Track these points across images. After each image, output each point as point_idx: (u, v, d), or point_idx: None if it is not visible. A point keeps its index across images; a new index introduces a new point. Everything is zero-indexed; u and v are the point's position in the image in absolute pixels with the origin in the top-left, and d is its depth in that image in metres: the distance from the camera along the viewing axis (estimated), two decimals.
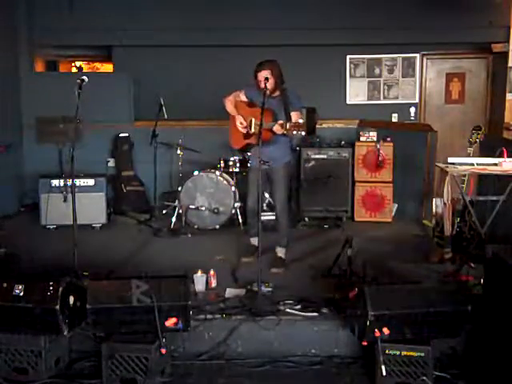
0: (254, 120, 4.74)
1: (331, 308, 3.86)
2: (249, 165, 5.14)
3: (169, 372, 3.51)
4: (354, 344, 3.63)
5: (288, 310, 3.86)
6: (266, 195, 6.24)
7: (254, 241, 4.97)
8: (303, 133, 4.31)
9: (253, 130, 4.75)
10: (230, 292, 4.23)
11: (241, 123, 4.81)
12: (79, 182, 6.10)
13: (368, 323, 3.28)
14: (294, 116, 4.59)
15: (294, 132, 4.32)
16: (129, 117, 7.44)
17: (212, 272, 4.36)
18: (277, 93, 4.68)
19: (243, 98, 4.88)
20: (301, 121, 4.42)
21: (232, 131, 4.98)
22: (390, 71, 7.89)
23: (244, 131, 4.83)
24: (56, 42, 7.72)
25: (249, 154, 5.09)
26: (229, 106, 4.92)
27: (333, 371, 3.56)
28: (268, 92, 4.46)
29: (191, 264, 4.54)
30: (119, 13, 7.44)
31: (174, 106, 6.79)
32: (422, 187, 6.53)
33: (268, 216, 6.02)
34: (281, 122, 4.51)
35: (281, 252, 4.96)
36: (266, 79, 4.47)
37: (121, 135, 7.30)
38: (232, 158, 6.31)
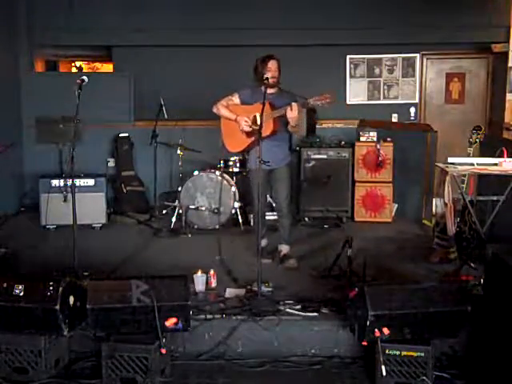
0: (258, 115, 4.54)
1: (331, 308, 3.86)
2: (249, 166, 5.10)
3: (169, 372, 3.50)
4: (353, 344, 3.62)
5: (288, 310, 3.85)
6: (268, 198, 5.97)
7: (265, 242, 5.10)
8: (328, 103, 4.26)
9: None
10: (229, 292, 4.22)
11: (245, 121, 4.70)
12: (79, 181, 6.11)
13: (368, 323, 3.28)
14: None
15: (320, 104, 4.29)
16: (129, 117, 7.44)
17: (212, 272, 4.36)
18: (274, 89, 4.67)
19: (236, 101, 4.83)
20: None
21: (229, 135, 4.89)
22: (390, 71, 7.89)
23: (250, 129, 4.70)
24: (56, 41, 7.71)
25: (248, 155, 5.02)
26: (223, 110, 4.83)
27: (333, 371, 3.55)
28: (272, 81, 4.50)
29: (191, 264, 4.54)
30: (119, 13, 7.43)
31: (174, 106, 6.80)
32: (422, 187, 6.53)
33: (270, 216, 5.94)
34: (294, 103, 4.42)
35: (285, 249, 4.98)
36: (277, 68, 4.58)
37: (121, 135, 7.29)
38: (232, 158, 6.30)
